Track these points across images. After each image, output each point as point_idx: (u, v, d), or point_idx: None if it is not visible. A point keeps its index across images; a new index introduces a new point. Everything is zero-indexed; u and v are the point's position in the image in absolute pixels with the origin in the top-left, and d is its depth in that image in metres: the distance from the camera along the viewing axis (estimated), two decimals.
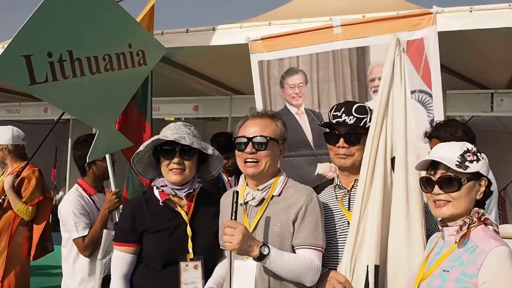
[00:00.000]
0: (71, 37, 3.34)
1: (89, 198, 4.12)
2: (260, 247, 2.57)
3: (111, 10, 3.62)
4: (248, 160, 2.81)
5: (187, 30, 5.25)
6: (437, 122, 3.86)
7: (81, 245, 3.91)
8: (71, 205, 3.97)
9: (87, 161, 3.90)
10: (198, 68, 6.74)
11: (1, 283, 5.09)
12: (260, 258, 2.57)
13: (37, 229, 5.20)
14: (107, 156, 4.04)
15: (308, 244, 2.71)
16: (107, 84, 3.61)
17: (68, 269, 4.06)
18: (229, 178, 5.51)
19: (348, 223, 2.78)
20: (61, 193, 11.67)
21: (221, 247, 2.97)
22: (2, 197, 5.13)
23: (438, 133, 3.74)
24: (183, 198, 3.11)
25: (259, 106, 4.50)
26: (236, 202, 2.65)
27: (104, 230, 3.77)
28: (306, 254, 2.69)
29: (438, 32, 3.82)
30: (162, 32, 5.22)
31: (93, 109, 3.64)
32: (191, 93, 8.20)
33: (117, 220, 3.88)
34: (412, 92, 3.26)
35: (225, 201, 2.96)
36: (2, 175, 5.40)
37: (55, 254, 4.33)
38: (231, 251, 2.64)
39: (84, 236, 3.90)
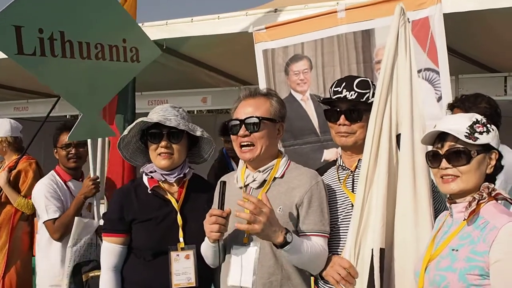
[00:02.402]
0: (65, 18, 3.30)
1: (63, 184, 4.12)
2: (286, 234, 2.42)
3: (108, 2, 3.62)
4: (243, 143, 2.67)
5: (192, 19, 5.14)
6: (462, 95, 3.68)
7: (51, 227, 3.86)
8: (42, 189, 3.98)
9: (66, 141, 3.96)
10: (205, 60, 6.62)
11: (2, 279, 4.99)
12: (283, 245, 2.42)
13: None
14: (89, 141, 4.03)
15: (316, 231, 2.59)
16: (95, 71, 3.57)
17: (41, 254, 4.05)
18: None
19: (352, 205, 2.63)
20: None
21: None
22: None
23: (461, 103, 3.53)
24: (174, 184, 2.97)
25: None
26: (224, 194, 2.51)
27: (76, 218, 3.74)
28: (315, 241, 2.56)
29: (448, 14, 3.66)
30: (167, 22, 5.12)
31: (78, 92, 3.57)
32: (199, 85, 8.08)
33: (97, 211, 3.94)
34: (419, 71, 3.13)
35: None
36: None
37: None
38: (218, 240, 2.52)
39: (55, 219, 3.86)
